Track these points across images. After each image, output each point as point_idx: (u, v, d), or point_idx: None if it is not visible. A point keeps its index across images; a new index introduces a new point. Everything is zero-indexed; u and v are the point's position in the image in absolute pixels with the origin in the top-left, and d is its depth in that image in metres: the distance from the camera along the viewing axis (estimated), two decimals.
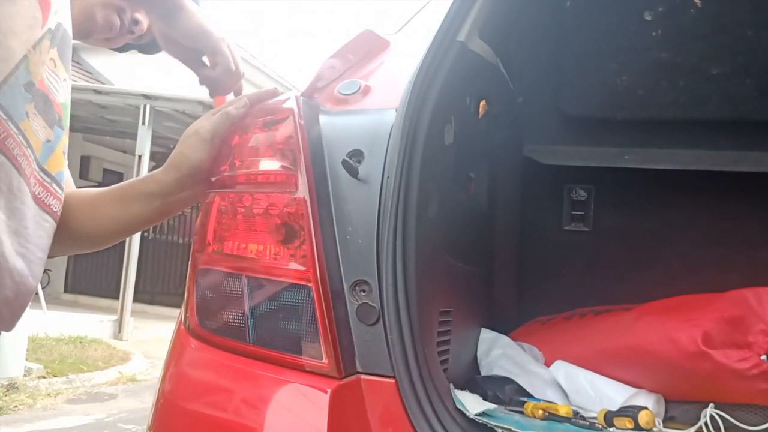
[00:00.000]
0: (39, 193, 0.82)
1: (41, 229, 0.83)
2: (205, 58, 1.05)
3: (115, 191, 1.00)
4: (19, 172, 0.77)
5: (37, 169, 0.81)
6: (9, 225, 0.76)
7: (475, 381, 1.28)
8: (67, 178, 0.92)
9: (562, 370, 1.34)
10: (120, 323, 8.16)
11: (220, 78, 1.04)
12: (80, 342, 6.96)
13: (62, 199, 0.88)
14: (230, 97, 1.07)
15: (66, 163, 0.89)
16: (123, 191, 1.00)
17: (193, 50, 1.04)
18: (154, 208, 0.99)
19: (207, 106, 8.02)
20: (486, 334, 1.46)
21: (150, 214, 0.99)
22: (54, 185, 0.86)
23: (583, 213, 1.81)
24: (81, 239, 0.99)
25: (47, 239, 0.85)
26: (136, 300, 8.75)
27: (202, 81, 1.05)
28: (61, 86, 0.84)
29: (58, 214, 0.87)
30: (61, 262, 11.09)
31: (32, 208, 0.81)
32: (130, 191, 1.00)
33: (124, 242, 8.34)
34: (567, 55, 1.66)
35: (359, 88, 1.11)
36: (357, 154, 0.98)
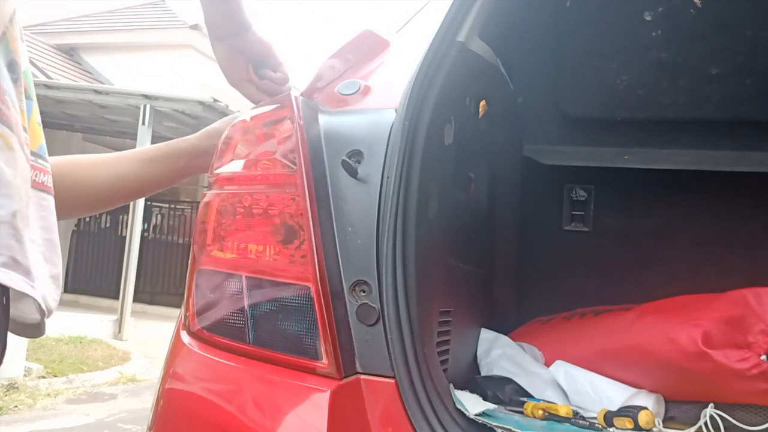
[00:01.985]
0: (34, 177, 0.80)
1: (43, 209, 0.81)
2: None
3: (141, 153, 1.13)
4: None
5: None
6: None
7: (475, 381, 1.28)
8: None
9: (562, 370, 1.34)
10: (120, 323, 8.16)
11: (280, 83, 1.13)
12: (80, 342, 6.96)
13: (50, 172, 0.86)
14: None
15: (43, 134, 0.86)
16: (150, 153, 1.13)
17: (255, 63, 1.11)
18: (177, 169, 1.12)
19: (206, 106, 8.02)
20: (486, 334, 1.46)
21: (171, 174, 1.13)
22: (40, 161, 0.83)
23: (583, 213, 1.81)
24: (101, 200, 1.12)
25: (52, 217, 0.83)
26: (136, 300, 8.74)
27: (263, 88, 1.12)
28: (24, 53, 0.80)
29: (52, 188, 0.85)
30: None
31: (31, 193, 0.79)
32: (158, 152, 1.13)
33: (123, 242, 8.35)
34: (567, 55, 1.66)
35: (359, 88, 1.11)
36: (356, 155, 0.98)
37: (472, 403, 0.99)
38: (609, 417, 1.14)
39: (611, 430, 1.11)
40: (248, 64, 1.10)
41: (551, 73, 1.70)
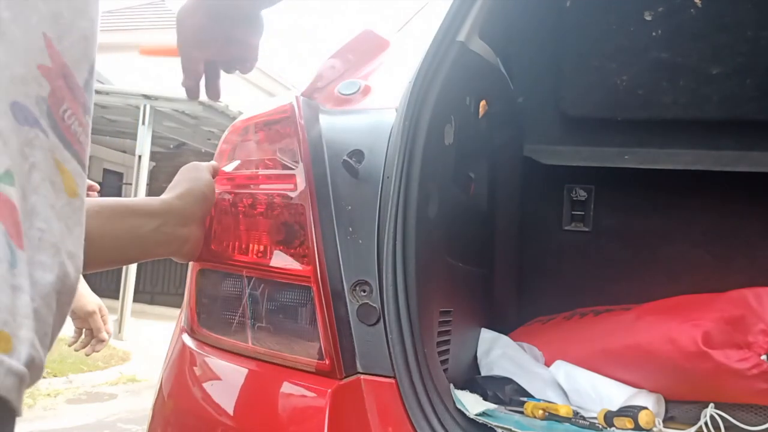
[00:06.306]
0: None
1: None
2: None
3: (110, 203, 0.85)
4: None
5: None
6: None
7: (475, 381, 1.27)
8: None
9: (562, 370, 1.34)
10: (120, 323, 8.15)
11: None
12: None
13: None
14: None
15: None
16: (119, 206, 0.85)
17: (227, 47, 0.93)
18: (145, 233, 0.84)
19: (206, 106, 8.02)
20: (486, 334, 1.46)
21: (129, 241, 0.83)
22: None
23: (583, 213, 1.81)
24: None
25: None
26: (136, 300, 8.75)
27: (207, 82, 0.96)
28: None
29: None
30: None
31: None
32: (124, 206, 0.85)
33: None
34: (567, 55, 1.66)
35: (359, 88, 1.11)
36: (357, 154, 0.98)
37: (472, 403, 0.99)
38: (609, 417, 1.14)
39: (611, 430, 1.11)
40: (219, 43, 0.91)
41: (551, 73, 1.70)
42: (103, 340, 1.61)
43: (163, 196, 0.90)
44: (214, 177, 0.99)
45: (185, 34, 0.93)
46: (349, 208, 0.95)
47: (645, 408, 1.14)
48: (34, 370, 0.42)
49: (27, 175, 0.47)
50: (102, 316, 1.73)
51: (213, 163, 1.01)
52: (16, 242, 0.43)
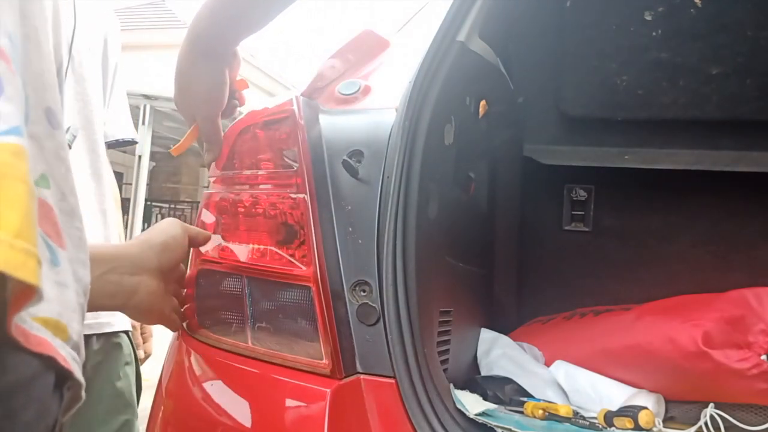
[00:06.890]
0: None
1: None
2: None
3: None
4: None
5: None
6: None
7: (475, 381, 1.27)
8: None
9: (562, 370, 1.34)
10: None
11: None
12: None
13: None
14: None
15: None
16: None
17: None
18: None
19: None
20: (486, 334, 1.46)
21: None
22: None
23: (583, 213, 1.81)
24: None
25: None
26: None
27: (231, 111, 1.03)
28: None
29: None
30: None
31: None
32: None
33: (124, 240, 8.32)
34: (567, 55, 1.66)
35: (359, 88, 1.11)
36: (357, 154, 0.98)
37: (472, 403, 0.99)
38: (609, 417, 1.14)
39: (611, 429, 1.11)
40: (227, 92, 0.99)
41: (551, 73, 1.70)
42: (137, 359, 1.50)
43: (120, 243, 0.87)
44: (194, 243, 0.95)
45: (192, 97, 1.05)
46: (349, 208, 0.95)
47: (645, 408, 1.14)
48: (80, 360, 0.46)
49: (65, 177, 0.50)
50: (143, 333, 1.63)
51: (198, 230, 0.97)
52: (57, 242, 0.46)
